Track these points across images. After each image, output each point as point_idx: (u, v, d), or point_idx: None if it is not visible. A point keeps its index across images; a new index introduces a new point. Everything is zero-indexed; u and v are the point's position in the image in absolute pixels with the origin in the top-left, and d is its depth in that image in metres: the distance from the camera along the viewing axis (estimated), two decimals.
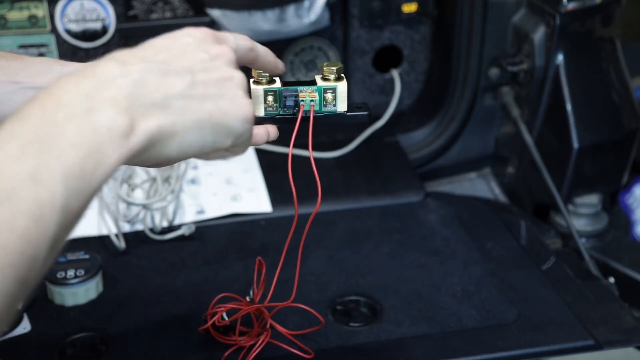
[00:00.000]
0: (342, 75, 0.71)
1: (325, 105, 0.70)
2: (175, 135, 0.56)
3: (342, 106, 0.71)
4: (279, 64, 0.69)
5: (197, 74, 0.58)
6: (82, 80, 0.53)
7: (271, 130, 0.71)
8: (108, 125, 0.51)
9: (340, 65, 0.70)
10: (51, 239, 0.48)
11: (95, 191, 0.51)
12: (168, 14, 1.32)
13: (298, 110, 0.69)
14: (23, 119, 0.50)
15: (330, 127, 0.73)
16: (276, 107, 0.70)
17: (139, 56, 0.57)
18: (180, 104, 0.56)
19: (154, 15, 1.31)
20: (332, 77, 0.70)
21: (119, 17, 1.30)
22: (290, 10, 1.29)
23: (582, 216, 1.30)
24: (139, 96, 0.54)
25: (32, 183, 0.47)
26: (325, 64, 0.70)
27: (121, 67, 0.54)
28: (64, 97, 0.51)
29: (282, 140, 0.72)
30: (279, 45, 1.39)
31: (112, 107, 0.52)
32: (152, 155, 0.56)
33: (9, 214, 0.46)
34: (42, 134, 0.49)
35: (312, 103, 0.70)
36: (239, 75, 0.61)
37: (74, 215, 0.50)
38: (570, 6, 1.22)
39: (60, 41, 1.29)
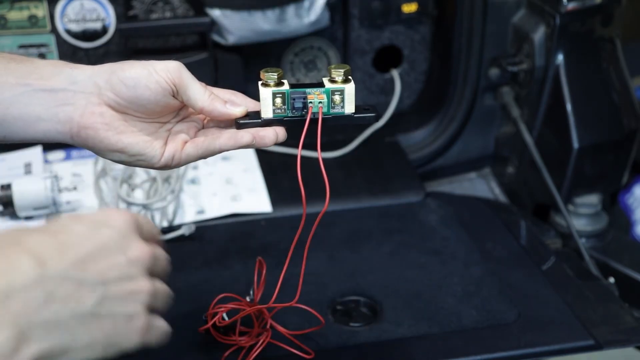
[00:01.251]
0: (350, 77, 0.71)
1: (333, 107, 0.71)
2: (66, 353, 0.50)
3: (349, 108, 0.71)
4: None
5: (110, 286, 0.52)
6: None
7: (279, 132, 0.71)
8: None
9: (348, 67, 0.70)
10: None
11: None
12: (168, 14, 1.32)
13: (306, 112, 0.69)
14: None
15: (332, 127, 0.75)
16: (284, 109, 0.70)
17: (58, 256, 0.50)
18: (80, 324, 0.50)
19: (154, 15, 1.31)
20: (340, 79, 0.70)
21: (119, 17, 1.30)
22: (290, 10, 1.29)
23: (582, 216, 1.30)
24: (42, 314, 0.48)
25: None
26: (333, 66, 0.71)
27: (38, 270, 0.48)
28: None
29: (284, 141, 0.72)
30: (279, 45, 1.39)
31: (6, 326, 0.46)
32: None
33: None
34: None
35: (321, 105, 0.70)
36: (146, 288, 0.56)
37: None
38: (570, 6, 1.22)
39: (60, 41, 1.29)
